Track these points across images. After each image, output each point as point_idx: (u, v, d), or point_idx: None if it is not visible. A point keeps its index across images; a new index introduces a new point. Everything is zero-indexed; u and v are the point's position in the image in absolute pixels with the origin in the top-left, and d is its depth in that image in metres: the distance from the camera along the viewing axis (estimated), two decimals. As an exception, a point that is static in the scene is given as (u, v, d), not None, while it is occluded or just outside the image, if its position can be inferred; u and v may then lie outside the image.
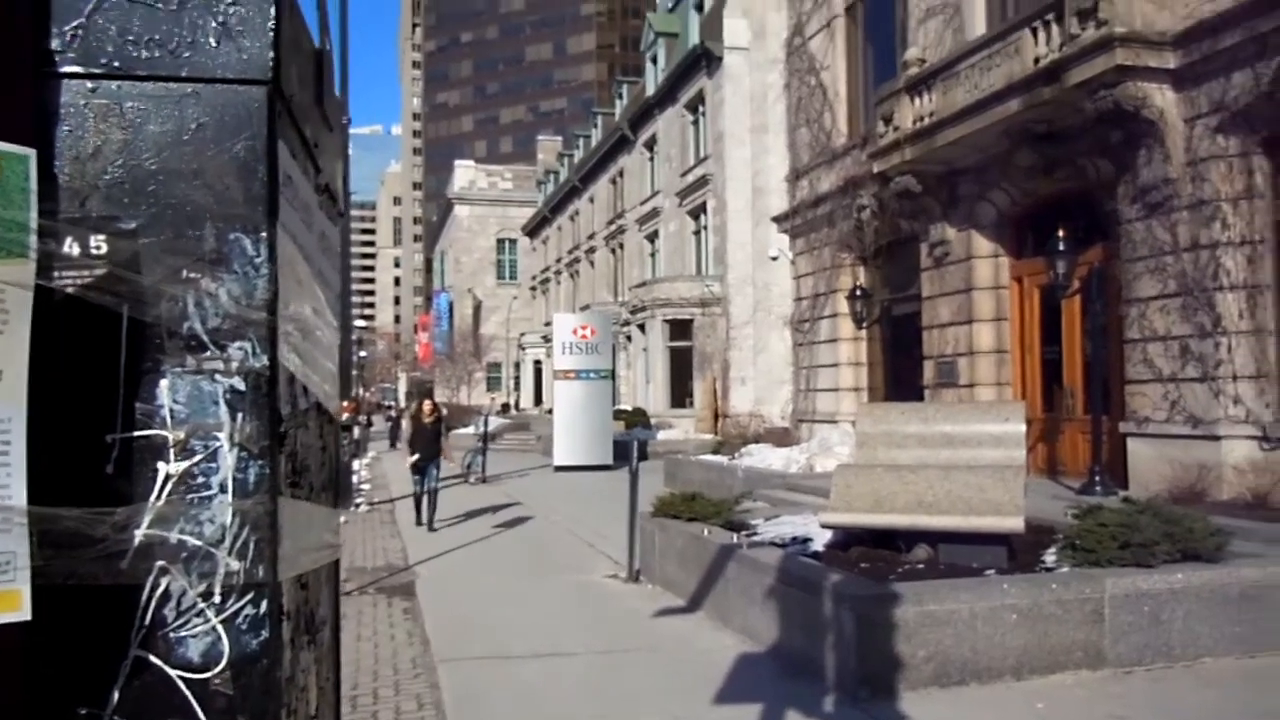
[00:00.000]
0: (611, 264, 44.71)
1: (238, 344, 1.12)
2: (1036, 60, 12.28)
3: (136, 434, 1.12)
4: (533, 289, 62.37)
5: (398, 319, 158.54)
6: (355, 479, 19.05)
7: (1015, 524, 7.21)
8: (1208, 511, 7.81)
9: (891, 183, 15.64)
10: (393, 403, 77.28)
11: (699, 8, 33.80)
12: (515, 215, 65.59)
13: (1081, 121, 11.93)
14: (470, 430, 28.64)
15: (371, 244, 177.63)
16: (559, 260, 54.50)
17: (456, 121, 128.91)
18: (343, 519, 11.80)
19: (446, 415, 18.37)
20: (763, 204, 27.67)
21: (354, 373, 29.21)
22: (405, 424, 28.07)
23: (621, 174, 42.36)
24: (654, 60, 38.57)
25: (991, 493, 7.38)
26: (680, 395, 32.64)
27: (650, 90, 37.84)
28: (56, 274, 1.02)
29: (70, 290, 1.03)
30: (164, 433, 1.12)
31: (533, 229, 61.69)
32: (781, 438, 20.03)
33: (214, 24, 1.13)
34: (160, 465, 1.13)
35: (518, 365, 58.76)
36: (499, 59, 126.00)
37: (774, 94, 26.47)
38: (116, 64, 1.11)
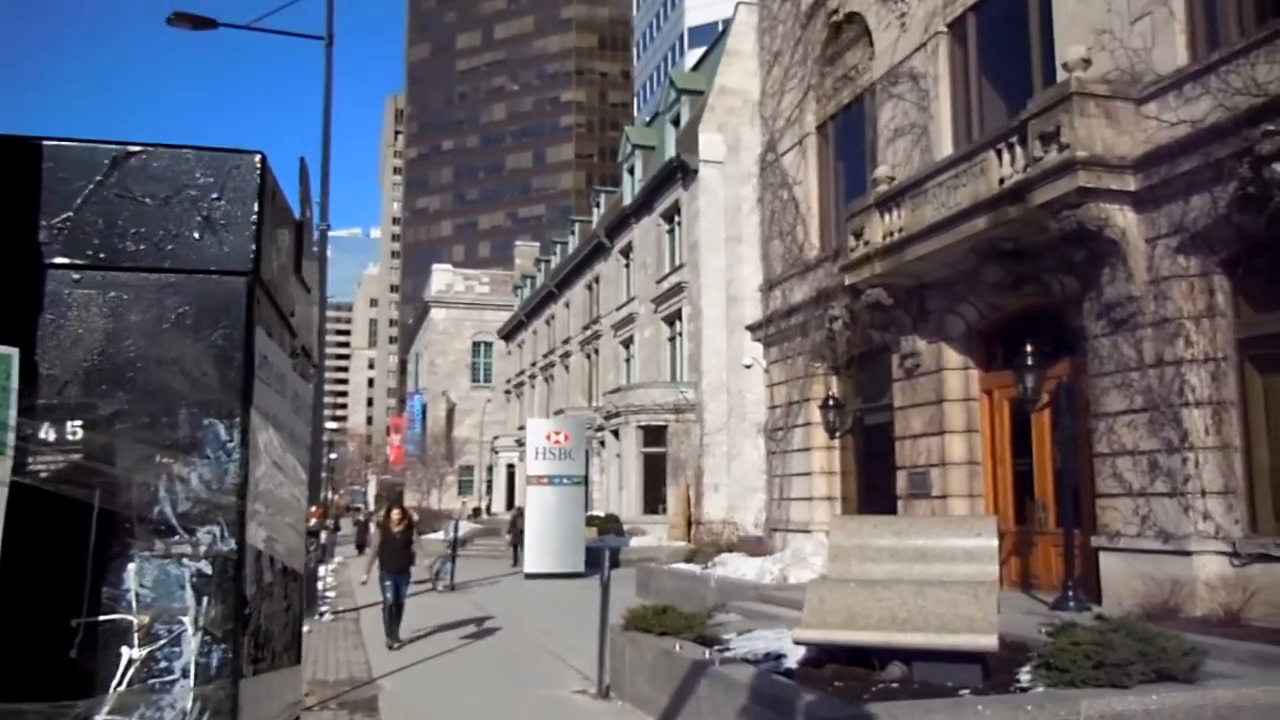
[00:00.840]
0: (586, 369, 44.88)
1: (206, 528, 1.13)
2: (1002, 180, 12.65)
3: (102, 618, 1.11)
4: (507, 392, 62.36)
5: (370, 420, 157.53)
6: (320, 585, 18.67)
7: (989, 642, 7.15)
8: (1181, 628, 7.79)
9: (862, 295, 15.90)
10: (361, 505, 76.25)
11: (675, 122, 34.74)
12: (491, 319, 66.00)
13: (1046, 240, 12.23)
14: (440, 536, 28.26)
15: (346, 345, 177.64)
16: (534, 364, 54.66)
17: (435, 226, 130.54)
18: (306, 629, 11.52)
19: (417, 521, 18.09)
20: (737, 312, 28.00)
21: (323, 475, 28.89)
22: (373, 530, 27.68)
23: (598, 280, 42.85)
24: (631, 171, 39.43)
25: (965, 609, 7.34)
26: (653, 502, 32.44)
27: (627, 200, 38.58)
28: (31, 461, 1.04)
29: (44, 475, 1.04)
30: (129, 617, 1.12)
31: (508, 333, 62.01)
32: (755, 547, 19.88)
33: (198, 217, 1.17)
34: (124, 649, 1.12)
35: (490, 469, 58.34)
36: (479, 166, 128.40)
37: (748, 206, 27.08)
38: (102, 255, 1.15)
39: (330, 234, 18.66)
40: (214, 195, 1.16)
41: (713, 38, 42.09)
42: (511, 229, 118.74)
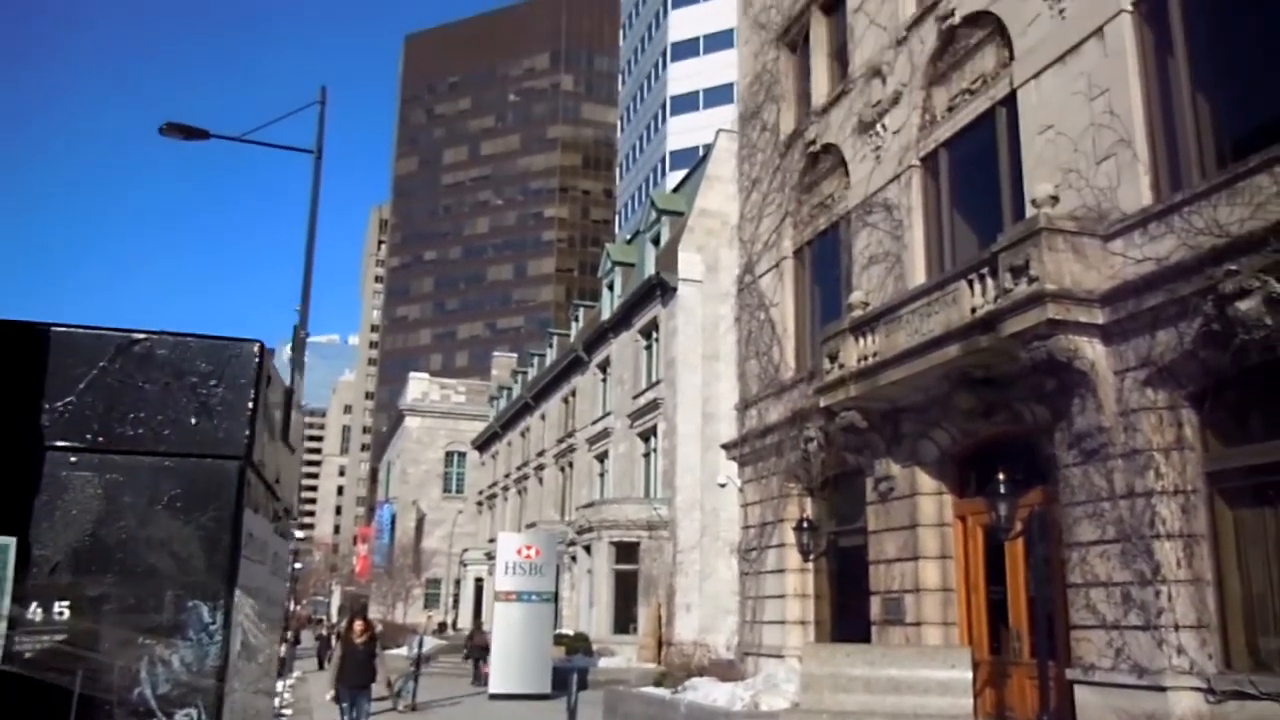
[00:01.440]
0: (560, 482, 44.57)
1: (185, 710, 1.12)
2: (973, 310, 12.91)
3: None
4: (479, 503, 61.69)
5: (337, 529, 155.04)
6: (276, 703, 18.08)
7: (964, 782, 7.01)
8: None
9: (837, 417, 16.02)
10: (324, 617, 74.34)
11: (655, 241, 35.40)
12: (466, 429, 65.72)
13: (1017, 369, 12.43)
14: (404, 651, 27.56)
15: (318, 450, 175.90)
16: (507, 476, 54.25)
17: (414, 335, 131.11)
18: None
19: (381, 634, 17.64)
20: (712, 430, 28.05)
21: (286, 584, 28.28)
22: (334, 642, 26.98)
23: (574, 394, 42.94)
24: (610, 287, 39.96)
25: (940, 747, 7.21)
26: (624, 620, 31.87)
27: (606, 315, 38.99)
28: (16, 644, 1.04)
29: (29, 659, 1.03)
30: (105, 801, 1.10)
31: (483, 443, 61.69)
32: (726, 671, 19.49)
33: (195, 404, 1.20)
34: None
35: (458, 582, 57.26)
36: (460, 277, 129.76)
37: (725, 325, 27.42)
38: (100, 438, 1.17)
39: (309, 340, 18.69)
40: (213, 382, 1.19)
41: (694, 161, 43.30)
42: (490, 340, 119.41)
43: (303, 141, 18.19)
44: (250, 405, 1.20)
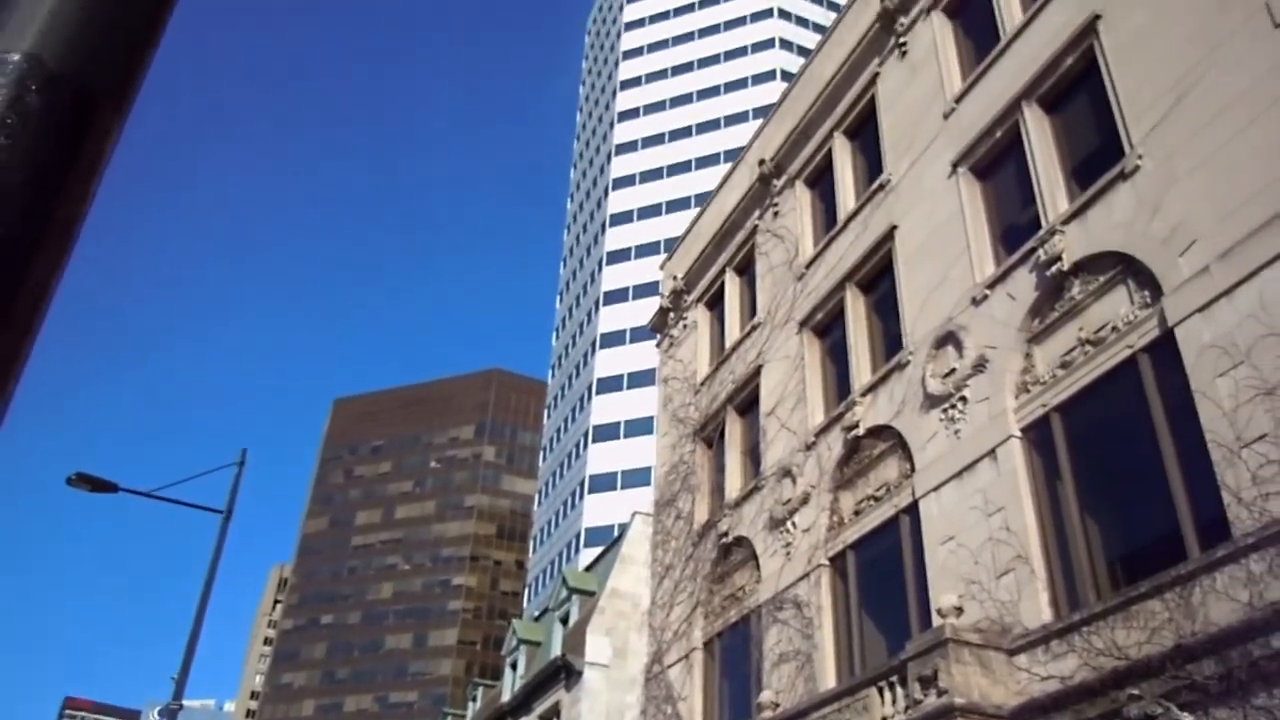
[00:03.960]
0: None
1: None
2: (884, 718, 12.63)
3: None
4: None
5: None
6: None
7: None
8: None
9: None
10: None
11: (564, 620, 34.61)
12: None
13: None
14: None
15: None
16: None
17: (296, 704, 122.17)
18: None
19: None
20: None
21: None
22: None
23: (464, 783, 39.72)
24: (514, 666, 38.38)
25: None
26: None
27: (506, 697, 37.08)
28: None
29: None
30: None
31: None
32: None
33: None
34: None
35: None
36: (355, 644, 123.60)
37: (630, 715, 26.22)
38: None
39: (184, 703, 17.40)
40: None
41: (608, 539, 43.51)
42: (379, 714, 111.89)
43: (214, 495, 17.99)
44: None
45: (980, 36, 16.28)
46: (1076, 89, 13.90)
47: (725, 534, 19.87)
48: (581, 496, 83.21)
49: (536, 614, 42.01)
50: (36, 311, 1.07)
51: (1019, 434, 13.07)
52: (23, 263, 1.05)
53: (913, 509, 14.66)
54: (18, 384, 1.15)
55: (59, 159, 1.10)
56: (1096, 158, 13.16)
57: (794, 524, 17.59)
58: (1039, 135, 14.13)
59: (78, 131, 1.12)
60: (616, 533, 43.64)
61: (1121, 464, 12.00)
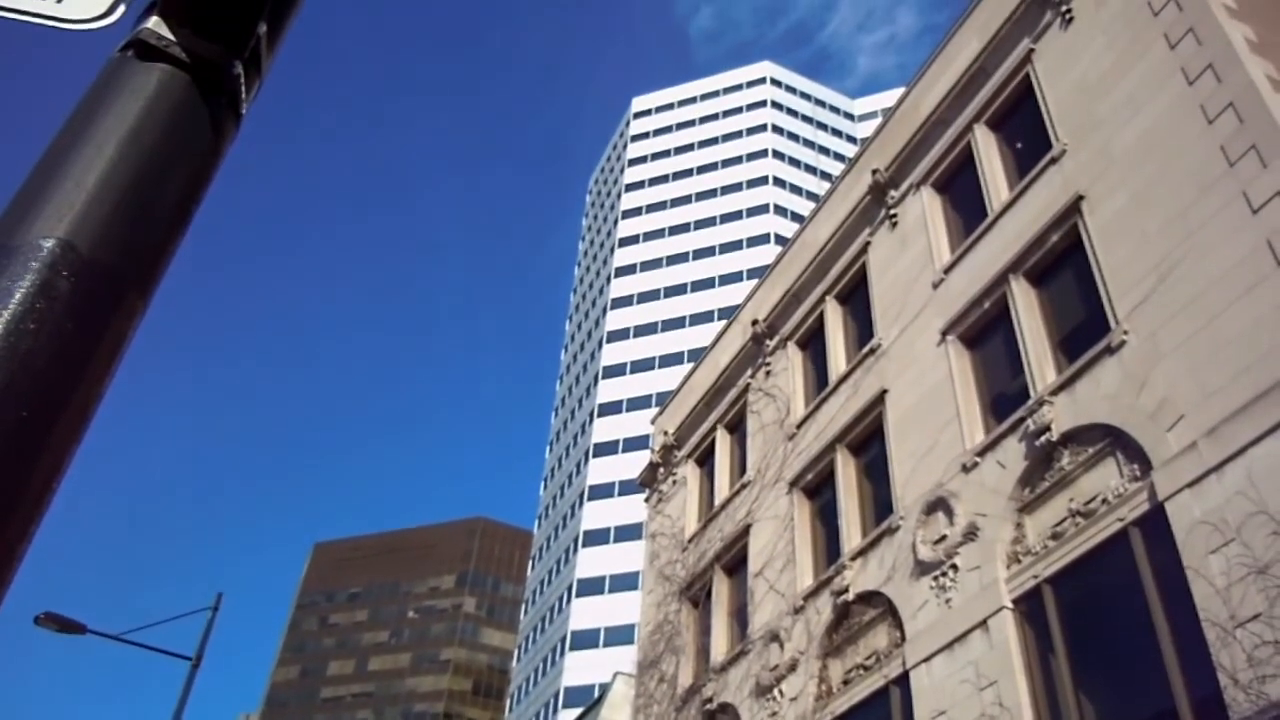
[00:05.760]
0: None
1: None
2: None
3: None
4: None
5: None
6: None
7: None
8: None
9: None
10: None
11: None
12: None
13: None
14: None
15: None
16: None
17: None
18: None
19: None
20: None
21: None
22: None
23: None
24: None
25: None
26: None
27: None
28: None
29: None
30: None
31: None
32: None
33: None
34: None
35: None
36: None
37: None
38: None
39: None
40: None
41: (589, 700, 42.16)
42: None
43: (184, 637, 17.46)
44: None
45: (968, 211, 16.84)
46: (1062, 264, 14.29)
47: (710, 700, 19.25)
48: (563, 653, 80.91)
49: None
50: (49, 488, 1.09)
51: (1011, 605, 12.85)
52: (41, 442, 1.07)
53: (903, 680, 14.28)
54: (29, 545, 1.15)
55: (85, 343, 1.13)
56: (1083, 331, 13.42)
57: (781, 692, 17.07)
58: (1026, 307, 14.44)
59: (105, 317, 1.16)
60: (597, 693, 42.22)
61: (1116, 639, 11.76)
